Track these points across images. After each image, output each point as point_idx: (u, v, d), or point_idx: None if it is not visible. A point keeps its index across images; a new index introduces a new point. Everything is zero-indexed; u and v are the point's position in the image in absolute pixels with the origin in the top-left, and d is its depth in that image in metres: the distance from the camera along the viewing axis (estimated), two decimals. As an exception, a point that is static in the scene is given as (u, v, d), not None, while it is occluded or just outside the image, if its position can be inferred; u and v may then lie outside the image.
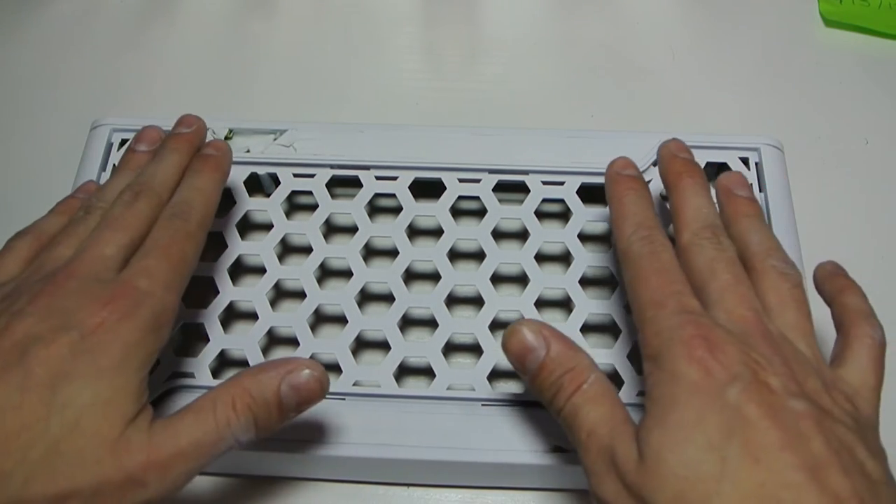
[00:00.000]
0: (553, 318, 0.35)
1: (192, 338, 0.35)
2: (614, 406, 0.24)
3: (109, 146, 0.37)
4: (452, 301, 0.34)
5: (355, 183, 0.36)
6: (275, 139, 0.37)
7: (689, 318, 0.23)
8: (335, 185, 0.36)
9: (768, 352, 0.22)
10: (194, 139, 0.32)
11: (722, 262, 0.25)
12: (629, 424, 0.23)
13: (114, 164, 0.36)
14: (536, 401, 0.30)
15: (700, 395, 0.21)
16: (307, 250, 0.34)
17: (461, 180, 0.36)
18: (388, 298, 0.33)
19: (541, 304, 0.33)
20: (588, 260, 0.34)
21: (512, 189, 0.36)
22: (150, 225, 0.28)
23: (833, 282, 0.28)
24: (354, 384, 0.31)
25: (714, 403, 0.21)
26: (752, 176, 0.35)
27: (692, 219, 0.27)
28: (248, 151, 0.36)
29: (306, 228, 0.35)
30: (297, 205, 0.39)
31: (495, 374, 0.32)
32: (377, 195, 0.36)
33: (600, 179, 0.35)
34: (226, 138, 0.37)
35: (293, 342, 0.32)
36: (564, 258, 0.37)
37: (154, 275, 0.26)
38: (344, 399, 0.31)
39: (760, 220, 0.28)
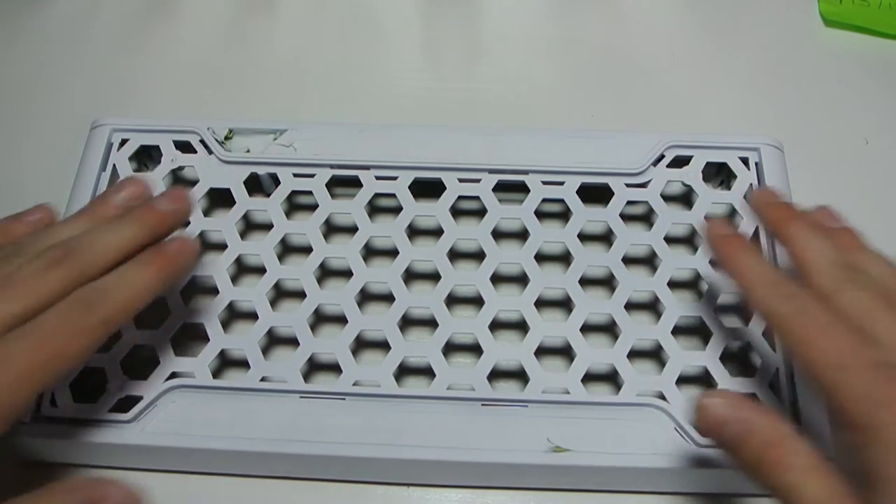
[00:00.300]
0: (553, 318, 0.35)
1: (192, 338, 0.35)
2: (829, 477, 0.21)
3: (109, 146, 0.37)
4: (452, 301, 0.34)
5: (355, 183, 0.36)
6: (275, 139, 0.37)
7: (884, 373, 0.22)
8: (335, 185, 0.36)
9: None
10: (167, 221, 0.29)
11: (874, 301, 0.24)
12: (852, 497, 0.21)
13: (114, 165, 0.36)
14: (536, 400, 0.30)
15: None
16: (307, 250, 0.34)
17: (461, 180, 0.36)
18: (388, 298, 0.33)
19: (541, 304, 0.33)
20: (588, 260, 0.34)
21: (512, 189, 0.36)
22: (59, 297, 0.25)
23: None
24: (354, 384, 0.31)
25: None
26: (752, 176, 0.35)
27: (820, 263, 0.26)
28: (248, 151, 0.36)
29: (306, 228, 0.35)
30: (297, 205, 0.39)
31: (495, 374, 0.32)
32: (377, 195, 0.36)
33: (600, 179, 0.35)
34: (226, 138, 0.37)
35: (293, 342, 0.32)
36: (564, 258, 0.37)
37: (9, 367, 0.22)
38: (344, 399, 0.31)
39: (862, 244, 0.28)
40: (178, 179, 0.39)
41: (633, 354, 0.32)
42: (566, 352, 0.34)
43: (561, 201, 0.35)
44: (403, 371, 0.34)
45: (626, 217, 0.35)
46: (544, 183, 0.35)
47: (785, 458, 0.22)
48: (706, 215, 0.34)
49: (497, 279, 0.33)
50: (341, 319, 0.33)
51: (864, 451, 0.21)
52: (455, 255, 0.35)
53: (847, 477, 0.21)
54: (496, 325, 0.33)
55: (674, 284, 0.33)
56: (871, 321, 0.24)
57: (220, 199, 0.38)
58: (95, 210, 0.29)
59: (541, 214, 0.35)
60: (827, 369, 0.23)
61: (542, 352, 0.32)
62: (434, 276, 0.33)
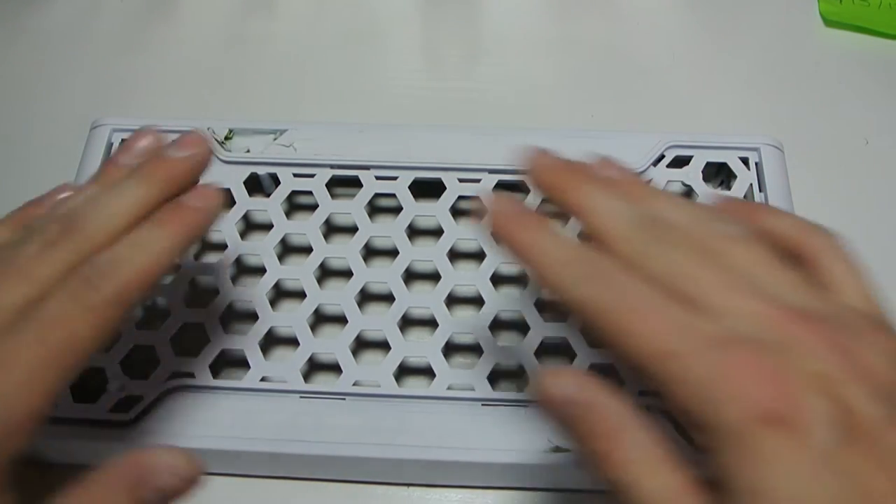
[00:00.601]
0: (554, 317, 0.35)
1: (192, 338, 0.35)
2: (672, 472, 0.18)
3: (109, 146, 0.37)
4: (452, 301, 0.34)
5: (355, 183, 0.36)
6: (275, 139, 0.37)
7: (724, 352, 0.18)
8: (335, 185, 0.36)
9: (819, 348, 0.18)
10: (182, 172, 0.25)
11: (689, 256, 0.20)
12: (703, 497, 0.18)
13: (114, 164, 0.36)
14: (536, 400, 0.30)
15: (795, 465, 0.16)
16: (307, 250, 0.34)
17: (461, 180, 0.36)
18: (388, 298, 0.33)
19: (541, 304, 0.33)
20: (588, 260, 0.33)
21: (512, 189, 0.36)
22: (62, 277, 0.22)
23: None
24: (354, 384, 0.31)
25: (816, 471, 0.16)
26: (752, 176, 0.35)
27: (618, 227, 0.21)
28: (248, 151, 0.36)
29: (306, 228, 0.35)
30: (297, 205, 0.39)
31: (495, 374, 0.32)
32: (377, 195, 0.36)
33: (600, 179, 0.35)
34: (226, 138, 0.37)
35: (293, 342, 0.32)
36: (564, 258, 0.37)
37: (14, 367, 0.20)
38: (344, 399, 0.31)
39: (654, 190, 0.24)
40: (178, 179, 0.39)
41: (633, 354, 0.32)
42: (567, 352, 0.34)
43: (561, 201, 0.35)
44: (403, 371, 0.34)
45: (626, 217, 0.35)
46: (544, 183, 0.35)
47: (619, 453, 0.19)
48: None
49: (497, 279, 0.33)
50: (341, 319, 0.33)
51: (714, 455, 0.17)
52: (455, 255, 0.35)
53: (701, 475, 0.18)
54: (497, 326, 0.33)
55: (674, 284, 0.33)
56: (683, 282, 0.20)
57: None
58: (104, 174, 0.26)
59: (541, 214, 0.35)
60: (656, 360, 0.19)
61: (542, 351, 0.32)
62: (434, 276, 0.33)
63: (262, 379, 0.31)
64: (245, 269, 0.37)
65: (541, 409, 0.20)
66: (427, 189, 0.36)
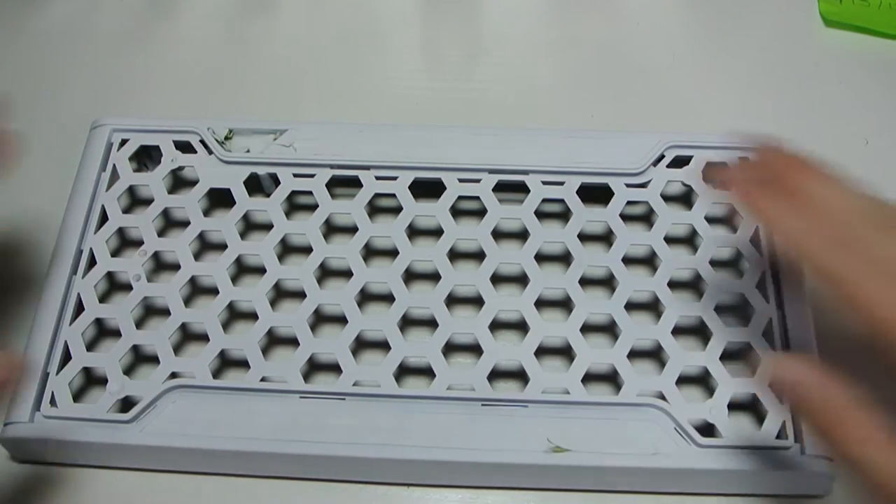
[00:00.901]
0: (553, 317, 0.35)
1: (193, 338, 0.35)
2: None
3: (109, 146, 0.37)
4: (452, 301, 0.34)
5: (355, 183, 0.36)
6: (275, 139, 0.37)
7: None
8: (335, 185, 0.36)
9: None
10: None
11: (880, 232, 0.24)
12: None
13: (114, 165, 0.36)
14: (536, 400, 0.30)
15: None
16: (307, 250, 0.34)
17: (461, 180, 0.36)
18: (388, 298, 0.33)
19: (541, 304, 0.33)
20: (588, 260, 0.34)
21: (512, 189, 0.36)
22: None
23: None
24: (354, 384, 0.31)
25: None
26: (752, 176, 0.35)
27: (842, 209, 0.26)
28: (248, 151, 0.36)
29: (306, 228, 0.35)
30: (297, 205, 0.39)
31: (495, 374, 0.32)
32: (377, 195, 0.36)
33: (600, 179, 0.35)
34: (226, 138, 0.37)
35: (293, 342, 0.32)
36: (564, 258, 0.37)
37: None
38: (344, 399, 0.31)
39: (828, 178, 0.28)
40: (178, 179, 0.39)
41: (633, 354, 0.32)
42: (566, 352, 0.34)
43: (561, 201, 0.35)
44: (403, 371, 0.34)
45: (626, 217, 0.35)
46: (544, 183, 0.35)
47: (851, 431, 0.21)
48: (706, 215, 0.34)
49: (497, 279, 0.33)
50: (341, 319, 0.33)
51: None
52: (455, 255, 0.35)
53: None
54: (496, 325, 0.33)
55: (674, 284, 0.33)
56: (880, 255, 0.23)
57: (220, 199, 0.38)
58: None
59: (541, 214, 0.35)
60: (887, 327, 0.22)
61: (542, 352, 0.32)
62: (434, 276, 0.33)
63: (262, 379, 0.31)
64: (245, 269, 0.37)
65: (775, 392, 0.25)
66: (427, 189, 0.36)
